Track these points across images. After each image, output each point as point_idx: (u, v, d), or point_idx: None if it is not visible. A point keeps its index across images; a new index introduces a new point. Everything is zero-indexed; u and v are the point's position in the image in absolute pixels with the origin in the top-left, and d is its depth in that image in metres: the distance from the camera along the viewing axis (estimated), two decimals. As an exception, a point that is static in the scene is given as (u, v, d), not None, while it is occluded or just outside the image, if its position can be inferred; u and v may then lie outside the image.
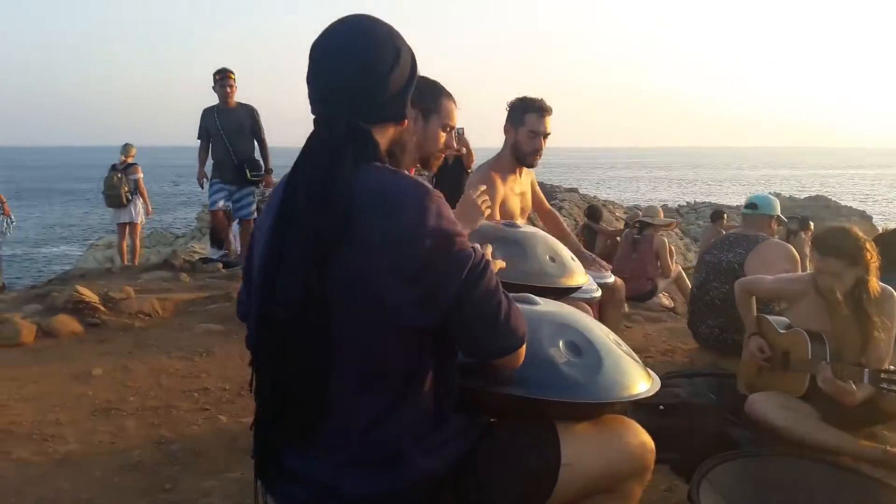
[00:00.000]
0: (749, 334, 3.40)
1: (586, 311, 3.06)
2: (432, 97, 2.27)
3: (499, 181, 3.18)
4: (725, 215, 8.99)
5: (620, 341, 1.67)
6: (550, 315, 1.62)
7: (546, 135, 3.22)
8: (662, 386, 3.56)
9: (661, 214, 6.33)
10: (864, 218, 23.69)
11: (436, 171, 2.60)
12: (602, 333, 1.62)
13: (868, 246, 2.93)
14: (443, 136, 2.30)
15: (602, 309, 3.47)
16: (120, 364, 3.77)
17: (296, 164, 1.31)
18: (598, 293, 3.07)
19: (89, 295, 4.48)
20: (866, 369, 2.70)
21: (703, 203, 26.29)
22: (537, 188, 3.66)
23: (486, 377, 1.46)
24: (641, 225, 6.18)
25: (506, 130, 3.27)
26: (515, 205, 3.34)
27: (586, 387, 1.45)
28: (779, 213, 4.25)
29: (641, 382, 1.55)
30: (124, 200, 8.41)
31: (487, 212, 2.22)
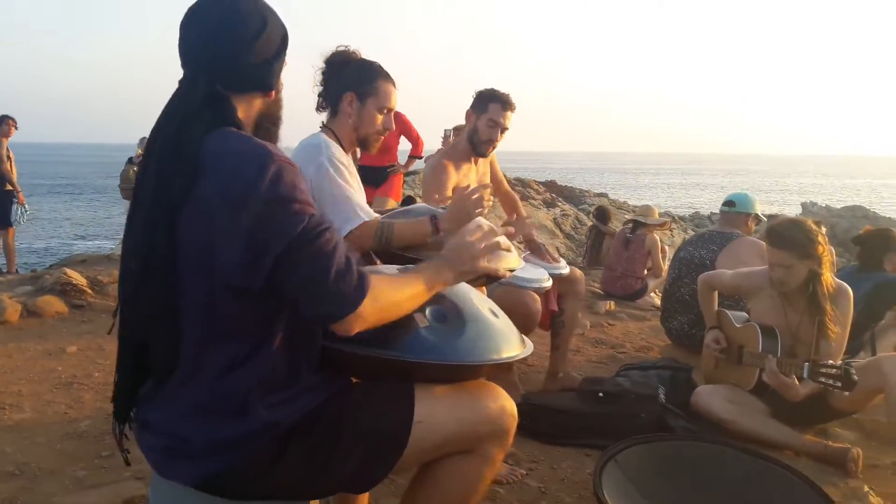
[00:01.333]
0: (708, 328, 3.38)
1: (534, 300, 3.08)
2: (368, 80, 2.29)
3: (451, 168, 3.20)
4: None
5: (498, 312, 1.69)
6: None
7: (504, 129, 3.23)
8: (613, 375, 3.56)
9: (656, 214, 6.28)
10: (907, 230, 22.97)
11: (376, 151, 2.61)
12: (477, 303, 1.64)
13: (820, 239, 2.90)
14: (379, 118, 2.31)
15: (562, 300, 3.49)
16: (95, 343, 3.89)
17: (155, 124, 1.37)
18: (549, 283, 3.10)
19: (77, 278, 4.62)
20: (806, 363, 2.67)
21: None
22: (497, 168, 3.66)
23: (349, 339, 1.50)
24: (634, 224, 6.15)
25: (467, 116, 3.29)
26: None
27: (441, 349, 1.48)
28: (757, 212, 4.21)
29: (507, 349, 1.57)
30: (138, 193, 8.61)
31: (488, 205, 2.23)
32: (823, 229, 3.10)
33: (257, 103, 1.43)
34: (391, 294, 1.37)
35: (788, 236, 2.89)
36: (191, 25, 1.36)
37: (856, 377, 2.50)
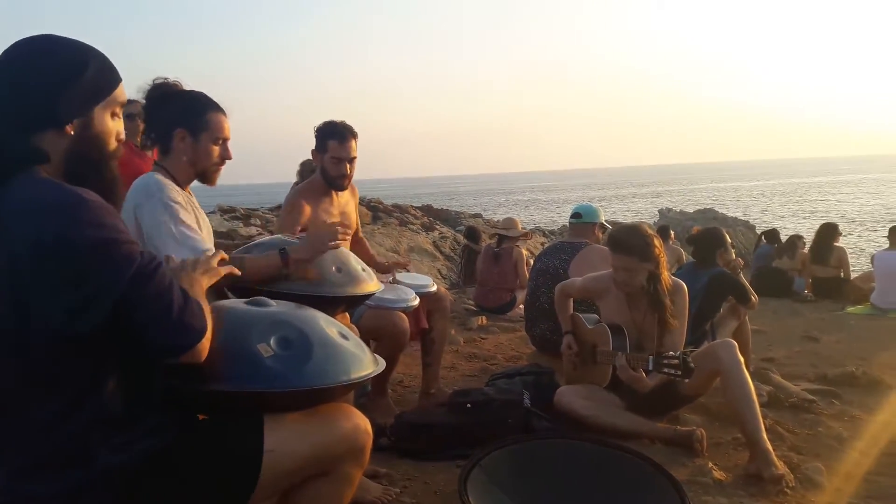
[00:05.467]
0: (565, 332, 3.58)
1: (402, 319, 3.15)
2: (197, 113, 2.26)
3: (305, 204, 3.18)
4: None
5: (348, 334, 1.73)
6: (271, 314, 1.65)
7: (351, 159, 3.23)
8: (483, 384, 3.68)
9: (519, 226, 6.55)
10: (749, 227, 25.13)
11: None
12: (324, 327, 1.67)
13: (656, 242, 3.16)
14: (216, 150, 2.29)
15: (430, 317, 3.60)
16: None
17: None
18: (416, 302, 3.18)
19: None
20: (651, 356, 2.89)
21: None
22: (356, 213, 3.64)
23: (193, 376, 1.50)
24: (500, 238, 6.38)
25: (314, 156, 3.31)
26: None
27: (288, 376, 1.50)
28: (602, 221, 4.51)
29: (357, 369, 1.61)
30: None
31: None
32: (671, 232, 3.38)
33: (58, 142, 1.33)
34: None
35: (628, 242, 3.12)
36: None
37: (692, 364, 2.73)
